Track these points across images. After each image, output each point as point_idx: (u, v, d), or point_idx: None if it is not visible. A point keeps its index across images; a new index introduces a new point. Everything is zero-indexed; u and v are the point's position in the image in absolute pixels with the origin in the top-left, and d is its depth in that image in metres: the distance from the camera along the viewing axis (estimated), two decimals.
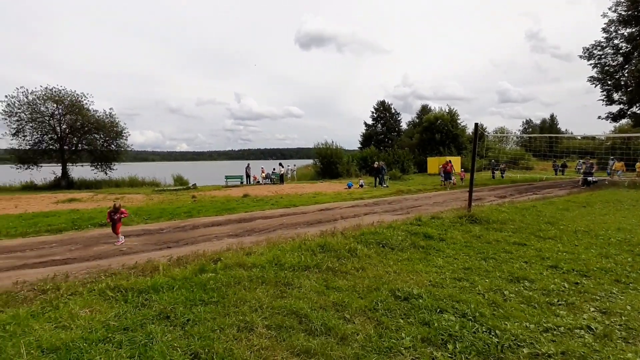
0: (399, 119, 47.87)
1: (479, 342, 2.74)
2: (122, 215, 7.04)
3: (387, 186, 18.69)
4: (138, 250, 6.31)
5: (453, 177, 18.33)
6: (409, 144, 40.22)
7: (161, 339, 2.77)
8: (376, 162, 20.17)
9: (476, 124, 8.13)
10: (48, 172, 24.74)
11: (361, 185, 19.21)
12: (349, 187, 18.56)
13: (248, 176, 24.59)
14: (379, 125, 47.28)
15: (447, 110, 39.53)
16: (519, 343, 2.74)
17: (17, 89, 23.50)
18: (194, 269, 4.41)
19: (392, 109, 47.37)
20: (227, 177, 24.78)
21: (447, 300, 3.53)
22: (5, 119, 23.24)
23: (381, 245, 5.64)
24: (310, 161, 38.28)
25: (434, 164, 29.42)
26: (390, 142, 45.21)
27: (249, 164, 24.79)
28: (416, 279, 4.24)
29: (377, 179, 19.11)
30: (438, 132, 37.10)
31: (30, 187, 23.21)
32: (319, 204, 11.96)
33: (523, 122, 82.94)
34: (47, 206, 12.66)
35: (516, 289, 3.89)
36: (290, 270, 4.37)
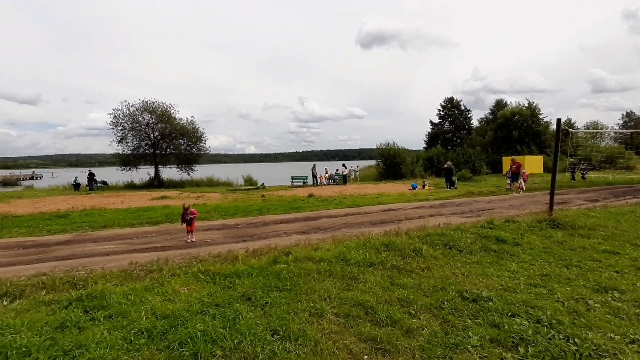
0: (469, 116, 44.75)
1: (554, 349, 2.64)
2: (193, 216, 7.11)
3: (455, 187, 17.78)
4: (219, 242, 7.11)
5: (521, 179, 15.49)
6: (480, 142, 37.42)
7: (246, 315, 3.22)
8: (447, 162, 19.08)
9: (558, 120, 7.40)
10: (144, 173, 28.68)
11: (424, 186, 18.57)
12: (414, 188, 18.09)
13: (315, 177, 25.08)
14: (447, 123, 44.79)
15: (526, 105, 35.88)
16: (600, 353, 2.57)
17: (122, 102, 27.69)
18: (268, 260, 4.89)
19: (462, 106, 44.51)
20: (292, 178, 25.94)
21: (520, 305, 3.40)
22: (112, 129, 27.60)
23: (448, 246, 5.54)
24: (372, 162, 37.96)
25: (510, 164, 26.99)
26: (459, 141, 42.54)
27: (314, 165, 25.47)
28: (486, 282, 4.13)
29: (449, 181, 18.10)
30: (515, 129, 33.85)
31: (130, 186, 27.16)
32: (382, 204, 11.95)
33: (622, 114, 70.55)
34: (145, 202, 14.79)
35: (602, 299, 3.56)
36: (356, 266, 4.59)
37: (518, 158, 24.17)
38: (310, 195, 15.35)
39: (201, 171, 31.09)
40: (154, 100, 28.31)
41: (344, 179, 23.57)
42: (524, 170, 17.04)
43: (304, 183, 25.46)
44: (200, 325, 2.99)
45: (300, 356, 2.62)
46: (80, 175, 27.05)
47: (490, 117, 44.12)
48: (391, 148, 28.98)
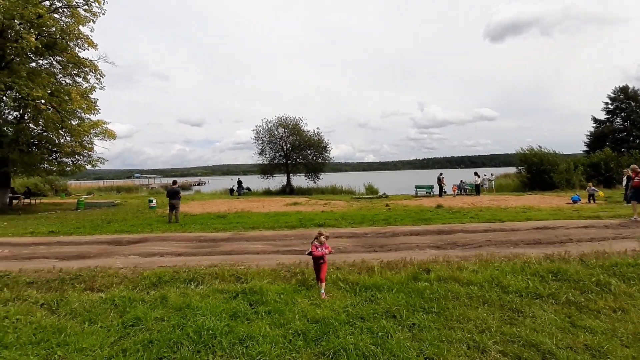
0: None
1: None
2: (328, 252, 4.61)
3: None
4: (350, 250, 7.23)
5: None
6: None
7: (394, 335, 3.07)
8: (628, 169, 14.72)
9: None
10: (278, 181, 32.40)
11: (590, 200, 14.85)
12: (574, 201, 14.69)
13: (441, 186, 22.55)
14: (618, 119, 35.21)
15: None
16: None
17: (262, 119, 32.16)
18: (407, 276, 4.65)
19: None
20: (417, 187, 24.79)
21: None
22: (254, 142, 32.33)
23: None
24: (509, 169, 32.98)
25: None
26: (638, 141, 32.77)
27: (441, 173, 23.45)
28: None
29: (633, 194, 13.87)
30: None
31: (268, 192, 31.05)
32: (533, 220, 10.07)
33: None
34: (280, 207, 16.56)
35: None
36: (517, 295, 3.89)
37: None
38: (439, 206, 14.27)
39: (325, 179, 33.10)
40: (286, 116, 31.87)
41: (477, 189, 21.08)
42: None
43: (427, 192, 23.95)
44: (350, 338, 3.00)
45: None
46: (230, 182, 32.49)
47: None
48: (537, 153, 24.51)
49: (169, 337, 3.11)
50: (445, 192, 22.89)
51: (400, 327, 3.25)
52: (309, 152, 32.16)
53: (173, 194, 12.16)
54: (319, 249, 4.56)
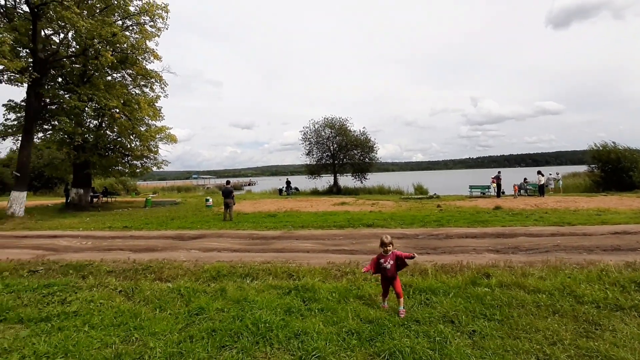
0: None
1: None
2: (406, 259, 3.77)
3: None
4: (402, 251, 7.04)
5: None
6: None
7: (452, 341, 2.94)
8: None
9: None
10: (325, 181, 32.64)
11: None
12: None
13: (499, 186, 20.55)
14: None
15: None
16: None
17: (309, 121, 32.63)
18: (465, 280, 4.42)
19: None
20: (471, 187, 23.42)
21: None
22: (302, 143, 32.92)
23: None
24: (577, 168, 29.79)
25: None
26: None
27: (500, 172, 21.55)
28: None
29: None
30: None
31: (315, 192, 31.45)
32: (609, 224, 8.97)
33: None
34: (328, 207, 16.67)
35: None
36: (593, 306, 3.51)
37: None
38: (497, 208, 13.33)
39: (372, 179, 32.66)
40: (332, 116, 32.02)
41: (541, 190, 19.30)
42: None
43: (482, 193, 22.44)
44: (406, 340, 2.93)
45: None
46: (279, 182, 33.44)
47: None
48: (613, 149, 21.87)
49: (230, 327, 3.31)
50: (503, 192, 21.27)
51: (459, 333, 3.11)
52: (355, 152, 31.97)
53: (227, 194, 12.86)
54: (383, 260, 3.68)
